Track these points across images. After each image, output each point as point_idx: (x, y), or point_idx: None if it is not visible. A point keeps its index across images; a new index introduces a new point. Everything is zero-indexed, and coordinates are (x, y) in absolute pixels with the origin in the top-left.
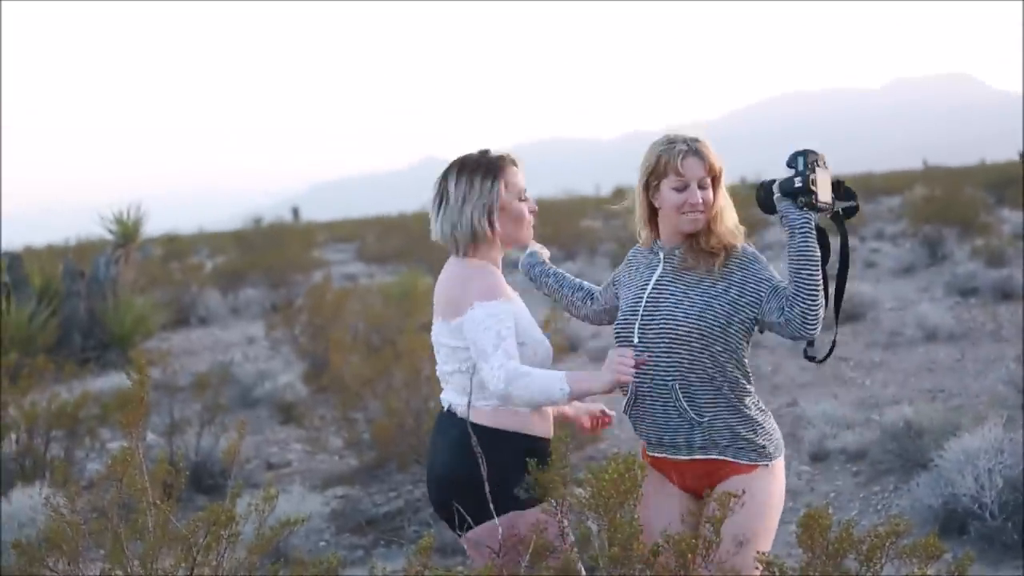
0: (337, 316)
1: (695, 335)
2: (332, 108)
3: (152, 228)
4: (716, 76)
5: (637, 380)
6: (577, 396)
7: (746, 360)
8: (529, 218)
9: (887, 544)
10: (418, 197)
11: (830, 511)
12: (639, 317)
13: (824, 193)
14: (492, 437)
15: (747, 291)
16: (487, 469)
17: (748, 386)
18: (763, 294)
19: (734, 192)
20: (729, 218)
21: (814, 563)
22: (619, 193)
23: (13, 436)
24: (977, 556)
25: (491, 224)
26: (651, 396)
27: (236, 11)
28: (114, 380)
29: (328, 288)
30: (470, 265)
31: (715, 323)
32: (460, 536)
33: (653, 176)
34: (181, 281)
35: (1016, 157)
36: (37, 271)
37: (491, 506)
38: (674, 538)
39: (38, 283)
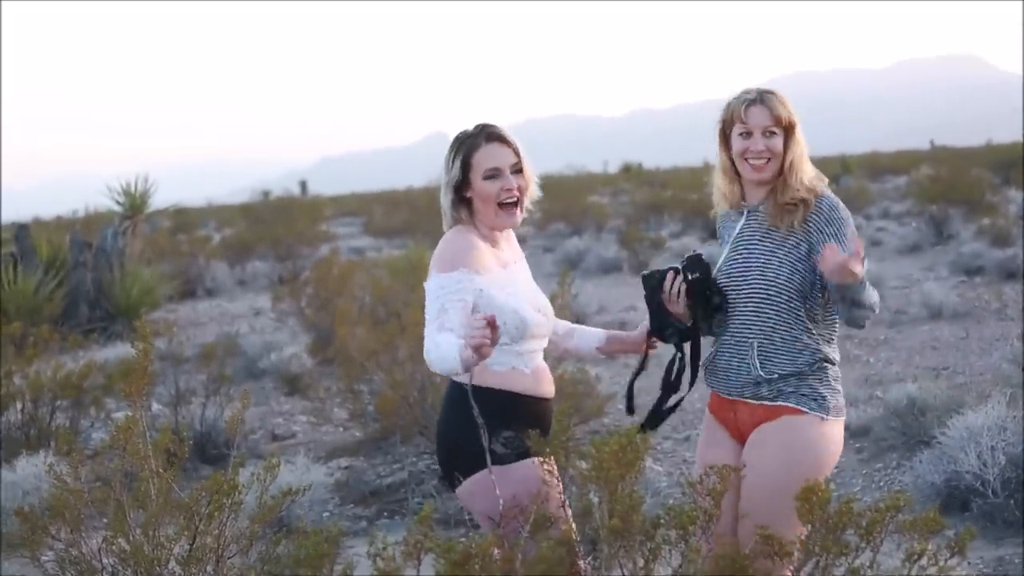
0: (343, 289)
1: (784, 296)
2: (342, 82)
3: (160, 200)
4: (725, 54)
5: (721, 337)
6: (466, 365)
7: (831, 316)
8: (500, 196)
9: (887, 519)
10: (425, 172)
11: (831, 487)
12: (730, 277)
13: (675, 306)
14: (461, 395)
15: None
16: (469, 425)
17: (831, 341)
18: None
19: None
20: (805, 171)
21: (813, 536)
22: (626, 169)
23: (18, 405)
24: (979, 533)
25: (460, 202)
26: (730, 352)
27: None
28: (119, 351)
29: (335, 261)
30: (452, 233)
31: (802, 285)
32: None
33: (726, 127)
34: (188, 253)
35: (1021, 138)
36: (44, 242)
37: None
38: (675, 510)
39: (45, 254)
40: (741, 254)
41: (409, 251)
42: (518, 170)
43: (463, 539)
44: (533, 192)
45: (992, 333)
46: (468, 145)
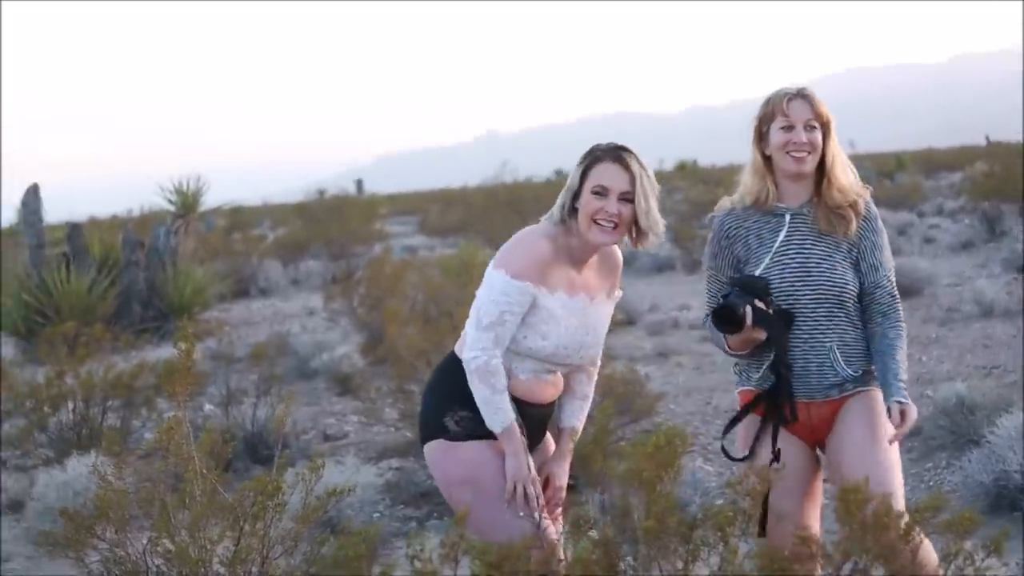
0: (395, 288)
1: (850, 298)
2: (399, 81)
3: (217, 199)
4: (779, 50)
5: (792, 344)
6: (502, 443)
7: None
8: (597, 215)
9: (925, 519)
10: (481, 171)
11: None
12: (792, 284)
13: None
14: (453, 367)
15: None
16: (436, 396)
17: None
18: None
19: None
20: (848, 174)
21: (852, 538)
22: (681, 167)
23: (70, 405)
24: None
25: (570, 209)
26: (805, 357)
27: None
28: (172, 350)
29: (387, 260)
30: (533, 234)
31: (856, 287)
32: None
33: (763, 123)
34: (242, 252)
35: None
36: (97, 241)
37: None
38: (712, 510)
39: (97, 253)
40: (796, 259)
41: (461, 250)
42: (628, 199)
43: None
44: (648, 223)
45: None
46: (593, 157)
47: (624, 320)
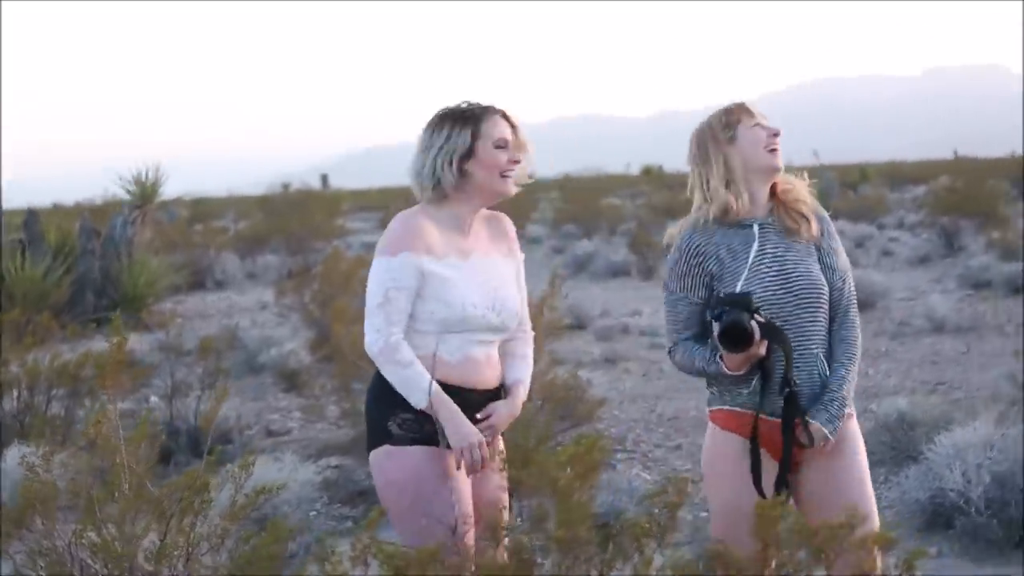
0: (347, 285)
1: (826, 301)
2: (369, 77)
3: (182, 190)
4: (752, 57)
5: (778, 357)
6: (435, 415)
7: None
8: (506, 167)
9: (840, 535)
10: None
11: (790, 501)
12: (776, 293)
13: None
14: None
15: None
16: (377, 400)
17: None
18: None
19: None
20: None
21: (766, 554)
22: (647, 171)
23: (14, 393)
24: (961, 552)
25: (458, 171)
26: (797, 367)
27: None
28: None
29: (341, 257)
30: (404, 214)
31: (833, 287)
32: None
33: (727, 129)
34: (199, 244)
35: None
36: (54, 228)
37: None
38: (628, 521)
39: (54, 240)
40: (773, 267)
41: None
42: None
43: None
44: (529, 167)
45: (993, 348)
46: (476, 116)
47: (573, 325)
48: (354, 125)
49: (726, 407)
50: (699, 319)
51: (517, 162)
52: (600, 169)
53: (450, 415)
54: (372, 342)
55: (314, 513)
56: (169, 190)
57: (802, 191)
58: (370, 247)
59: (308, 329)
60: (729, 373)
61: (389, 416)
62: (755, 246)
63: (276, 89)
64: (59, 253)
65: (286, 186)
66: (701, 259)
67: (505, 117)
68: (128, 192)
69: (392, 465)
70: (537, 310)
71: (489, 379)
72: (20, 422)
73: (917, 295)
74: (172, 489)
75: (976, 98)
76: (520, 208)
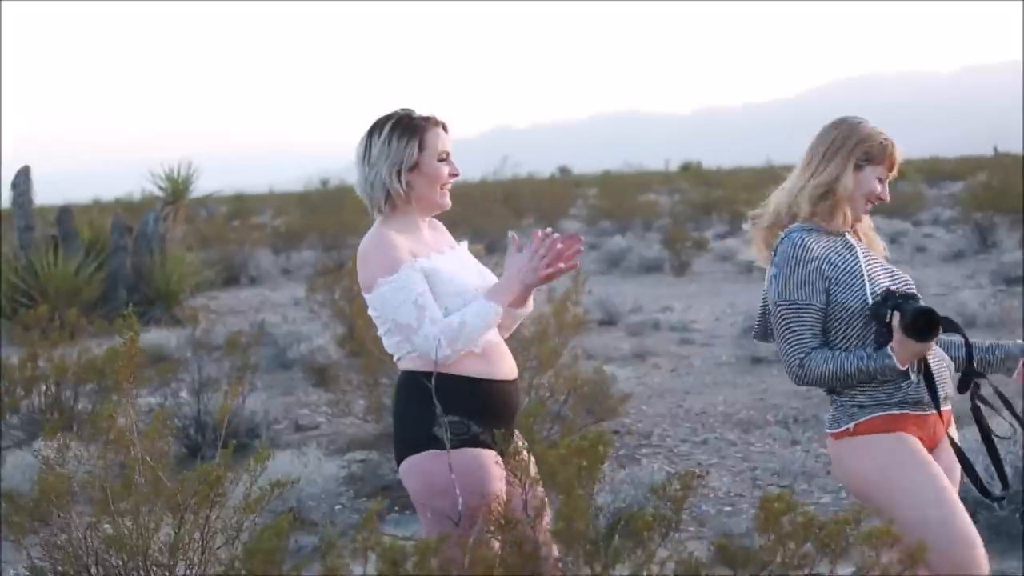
0: None
1: None
2: (411, 74)
3: (226, 185)
4: (792, 54)
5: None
6: (509, 305)
7: None
8: (447, 180)
9: (847, 530)
10: (485, 165)
11: (792, 495)
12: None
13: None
14: (414, 382)
15: None
16: (412, 406)
17: None
18: None
19: None
20: None
21: (771, 547)
22: (685, 168)
23: (43, 387)
24: (985, 546)
25: (404, 183)
26: (938, 365)
27: None
28: (155, 336)
29: None
30: (373, 236)
31: None
32: None
33: (865, 158)
34: (235, 240)
35: None
36: (87, 225)
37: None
38: (630, 514)
39: (86, 237)
40: (885, 272)
41: None
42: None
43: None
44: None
45: None
46: (420, 127)
47: (604, 320)
48: None
49: (880, 412)
50: (821, 326)
51: (456, 175)
52: (640, 165)
53: (506, 284)
54: (439, 346)
55: (339, 507)
56: (212, 185)
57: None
58: None
59: (338, 325)
60: (900, 368)
61: (431, 421)
62: (860, 252)
63: (321, 84)
64: (92, 249)
65: (325, 182)
66: (816, 263)
67: (445, 129)
68: (160, 188)
69: (437, 469)
70: (560, 305)
71: (514, 367)
72: (48, 417)
73: (950, 291)
74: (187, 482)
75: (1018, 95)
76: (559, 204)
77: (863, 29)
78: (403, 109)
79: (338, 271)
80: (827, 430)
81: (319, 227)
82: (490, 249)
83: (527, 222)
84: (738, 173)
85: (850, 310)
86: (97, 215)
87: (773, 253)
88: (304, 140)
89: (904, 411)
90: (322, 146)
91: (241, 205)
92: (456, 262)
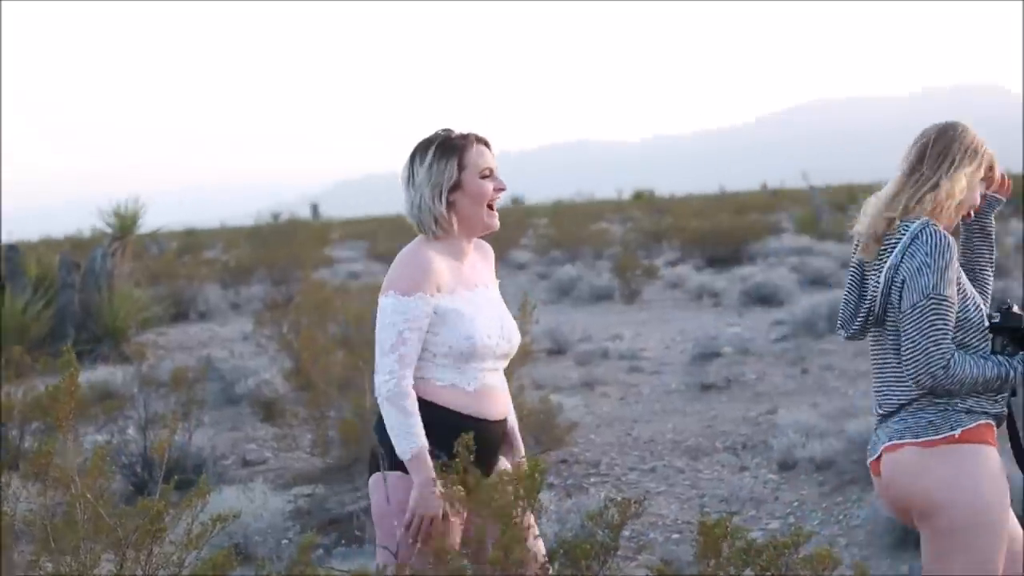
0: (324, 314)
1: None
2: (362, 105)
3: (178, 221)
4: (743, 82)
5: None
6: (409, 470)
7: None
8: (493, 196)
9: (786, 554)
10: None
11: (738, 519)
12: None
13: None
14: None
15: None
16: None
17: None
18: None
19: (753, 199)
20: None
21: (711, 573)
22: (637, 196)
23: None
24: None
25: (447, 204)
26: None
27: (261, 7)
28: (101, 373)
29: (319, 286)
30: (411, 250)
31: None
32: None
33: (981, 168)
34: (184, 275)
35: None
36: (33, 262)
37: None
38: (568, 543)
39: (34, 274)
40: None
41: None
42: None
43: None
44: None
45: None
46: (459, 146)
47: (553, 350)
48: (347, 153)
49: (983, 420)
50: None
51: (503, 189)
52: (592, 194)
53: (423, 481)
54: (383, 383)
55: (286, 542)
56: (164, 221)
57: None
58: (356, 276)
59: (285, 359)
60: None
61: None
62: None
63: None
64: (39, 287)
65: (276, 216)
66: (956, 264)
67: (487, 145)
68: (108, 225)
69: (401, 492)
70: None
71: (502, 408)
72: None
73: None
74: (127, 518)
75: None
76: (511, 234)
77: (812, 56)
78: (443, 130)
79: (286, 305)
80: (914, 439)
81: (269, 261)
82: None
83: None
84: (690, 200)
85: (971, 320)
86: (45, 252)
87: (896, 243)
88: (256, 175)
89: (991, 422)
90: (274, 181)
91: (192, 240)
92: (479, 304)
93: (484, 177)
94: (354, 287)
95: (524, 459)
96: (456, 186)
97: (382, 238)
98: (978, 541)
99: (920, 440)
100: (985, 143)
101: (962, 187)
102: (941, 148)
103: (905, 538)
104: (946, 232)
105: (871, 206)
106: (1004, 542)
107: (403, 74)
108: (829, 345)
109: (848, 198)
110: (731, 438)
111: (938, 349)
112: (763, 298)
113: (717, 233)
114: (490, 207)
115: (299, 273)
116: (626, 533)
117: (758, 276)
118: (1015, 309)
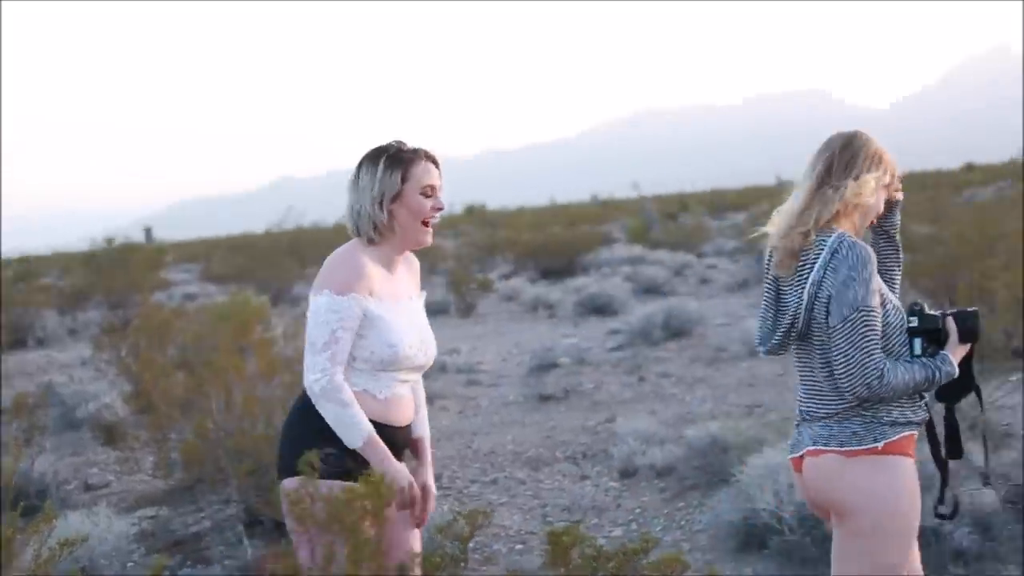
0: (163, 336)
1: None
2: (190, 128)
3: (5, 249)
4: (572, 94)
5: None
6: (366, 456)
7: None
8: (429, 214)
9: (636, 559)
10: (268, 217)
11: (581, 527)
12: None
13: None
14: (311, 404)
15: None
16: (297, 434)
17: None
18: None
19: (584, 210)
20: None
21: None
22: (470, 211)
23: None
24: (776, 571)
25: (387, 212)
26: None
27: (104, 14)
28: None
29: (156, 309)
30: (347, 252)
31: None
32: None
33: (887, 175)
34: (20, 302)
35: None
36: None
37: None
38: (419, 556)
39: None
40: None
41: (233, 297)
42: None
43: None
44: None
45: None
46: (407, 159)
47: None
48: (177, 177)
49: (906, 432)
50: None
51: (440, 209)
52: None
53: (382, 459)
54: (315, 380)
55: (131, 564)
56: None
57: None
58: (192, 297)
59: (125, 383)
60: (955, 374)
61: (311, 448)
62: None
63: (99, 146)
64: None
65: (110, 241)
66: (876, 273)
67: (436, 164)
68: None
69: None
70: None
71: (408, 415)
72: None
73: (734, 320)
74: None
75: (799, 123)
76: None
77: (643, 65)
78: (396, 141)
79: (124, 329)
80: (838, 447)
81: (105, 286)
82: (275, 300)
83: (312, 271)
84: (522, 213)
85: (892, 324)
86: None
87: (815, 259)
88: (87, 201)
89: (914, 431)
90: (106, 206)
91: (25, 268)
92: (405, 315)
93: (425, 195)
94: (191, 308)
95: (429, 470)
96: (397, 197)
97: (216, 260)
98: (885, 547)
99: (843, 449)
100: (886, 151)
101: (871, 189)
102: (848, 158)
103: (748, 541)
104: (863, 243)
105: (779, 220)
106: (909, 553)
107: (235, 94)
108: (664, 353)
109: (679, 207)
110: (571, 448)
111: (871, 360)
112: (598, 308)
113: (550, 245)
114: (425, 224)
115: (136, 297)
116: (471, 545)
117: (592, 287)
118: (927, 310)
